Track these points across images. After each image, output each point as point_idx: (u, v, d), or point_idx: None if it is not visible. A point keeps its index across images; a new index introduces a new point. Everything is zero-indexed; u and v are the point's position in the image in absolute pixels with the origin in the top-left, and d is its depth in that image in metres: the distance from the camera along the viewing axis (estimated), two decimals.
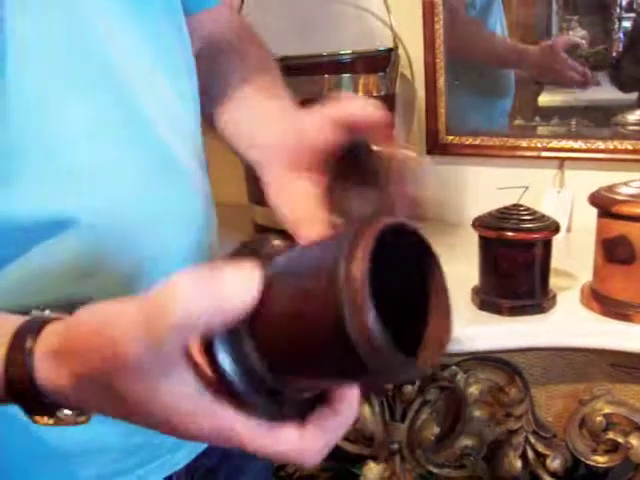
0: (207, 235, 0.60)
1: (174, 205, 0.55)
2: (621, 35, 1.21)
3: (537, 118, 1.31)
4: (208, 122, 0.68)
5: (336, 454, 1.23)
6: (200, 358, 0.36)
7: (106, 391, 0.36)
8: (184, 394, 0.35)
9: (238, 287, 0.33)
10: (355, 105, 0.51)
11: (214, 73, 0.66)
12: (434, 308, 0.37)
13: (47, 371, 0.37)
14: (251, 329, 0.35)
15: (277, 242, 0.40)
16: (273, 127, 0.58)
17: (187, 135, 0.59)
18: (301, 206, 0.54)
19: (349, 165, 0.51)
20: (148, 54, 0.54)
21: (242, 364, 0.36)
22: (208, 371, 0.36)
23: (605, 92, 1.23)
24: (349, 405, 0.37)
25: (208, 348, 0.35)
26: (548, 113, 1.30)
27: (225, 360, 0.35)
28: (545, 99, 1.31)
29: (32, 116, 0.47)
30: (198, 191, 0.58)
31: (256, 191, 1.22)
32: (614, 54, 1.22)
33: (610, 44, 1.21)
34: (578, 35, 1.24)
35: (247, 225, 1.30)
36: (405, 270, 0.37)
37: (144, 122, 0.52)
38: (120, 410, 0.37)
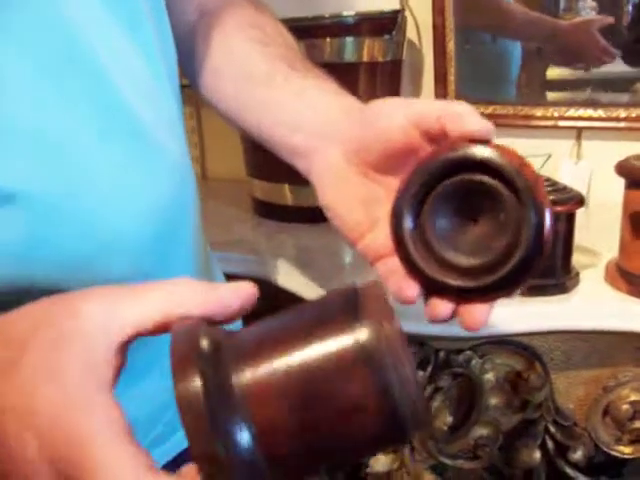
0: (181, 216, 0.53)
1: (139, 178, 0.48)
2: (630, 8, 1.13)
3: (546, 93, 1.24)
4: (201, 91, 0.63)
5: None
6: None
7: None
8: None
9: None
10: (446, 111, 0.43)
11: (217, 43, 0.61)
12: None
13: None
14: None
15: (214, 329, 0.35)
16: (333, 115, 0.51)
17: (159, 105, 0.52)
18: (367, 211, 0.47)
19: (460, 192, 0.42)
20: (114, 21, 0.48)
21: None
22: None
23: (618, 65, 1.15)
24: None
25: None
26: (557, 87, 1.22)
27: None
28: (554, 72, 1.23)
29: None
30: (170, 164, 0.51)
31: (255, 165, 1.17)
32: (625, 24, 1.14)
33: (620, 16, 1.14)
34: (588, 6, 1.17)
35: (246, 200, 1.24)
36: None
37: (102, 81, 0.46)
38: None
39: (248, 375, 0.31)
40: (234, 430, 0.30)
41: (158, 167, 0.50)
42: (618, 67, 1.15)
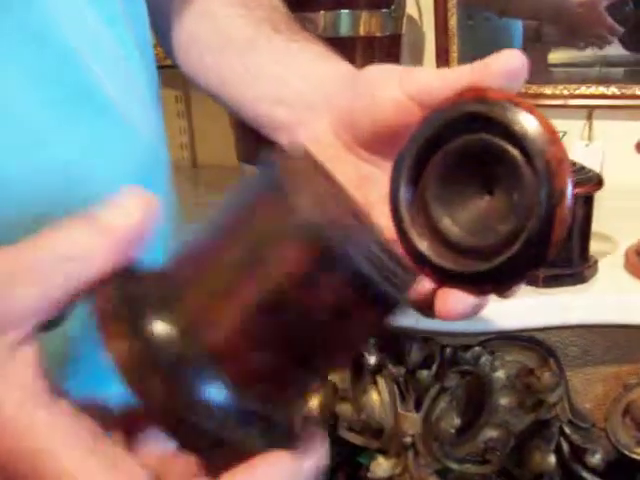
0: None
1: (107, 157, 0.43)
2: None
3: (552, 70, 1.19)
4: (178, 64, 0.59)
5: (339, 445, 1.12)
6: None
7: None
8: None
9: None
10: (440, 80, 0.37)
11: (195, 8, 0.57)
12: None
13: None
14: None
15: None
16: (324, 80, 0.47)
17: (129, 83, 0.48)
18: (360, 195, 0.42)
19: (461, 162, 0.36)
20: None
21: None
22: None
23: (619, 48, 1.11)
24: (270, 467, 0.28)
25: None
26: (561, 67, 1.18)
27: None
28: (555, 56, 1.18)
29: None
30: (142, 146, 0.47)
31: (247, 149, 1.12)
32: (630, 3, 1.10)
33: None
34: None
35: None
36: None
37: (69, 59, 0.41)
38: None
39: (182, 312, 0.27)
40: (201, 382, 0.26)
41: (128, 148, 0.46)
42: (620, 50, 1.11)
